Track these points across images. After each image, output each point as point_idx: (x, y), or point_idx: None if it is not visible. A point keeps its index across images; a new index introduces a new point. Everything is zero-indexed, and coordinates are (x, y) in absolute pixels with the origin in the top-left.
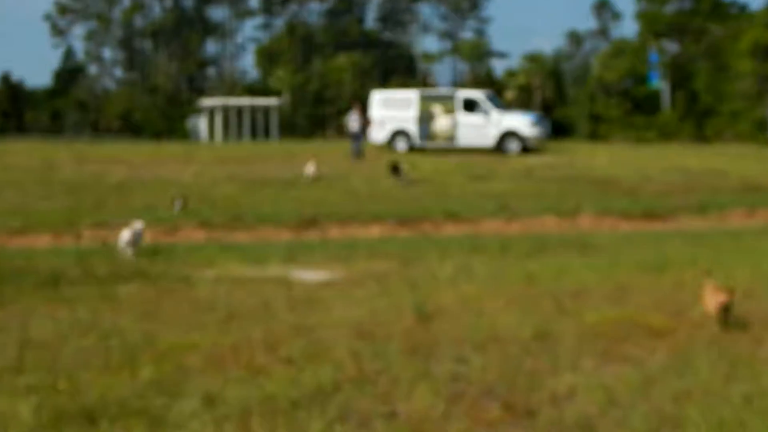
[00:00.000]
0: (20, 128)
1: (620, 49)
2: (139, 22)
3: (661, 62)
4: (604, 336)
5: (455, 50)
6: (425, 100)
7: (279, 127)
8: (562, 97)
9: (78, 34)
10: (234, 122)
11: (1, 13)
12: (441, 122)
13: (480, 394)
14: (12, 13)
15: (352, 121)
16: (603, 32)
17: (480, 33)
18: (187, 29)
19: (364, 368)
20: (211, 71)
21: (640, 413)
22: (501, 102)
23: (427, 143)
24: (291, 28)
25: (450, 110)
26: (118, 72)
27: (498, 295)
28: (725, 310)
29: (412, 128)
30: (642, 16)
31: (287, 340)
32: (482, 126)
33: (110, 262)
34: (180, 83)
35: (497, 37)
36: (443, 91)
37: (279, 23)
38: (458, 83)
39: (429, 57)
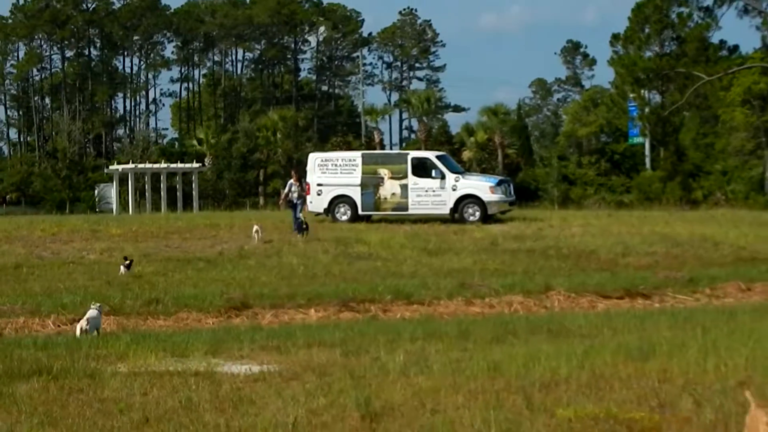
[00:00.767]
0: None
1: (594, 99)
2: (36, 76)
3: (642, 114)
4: None
5: (404, 103)
6: (370, 163)
7: (200, 195)
8: (528, 156)
9: None
10: (148, 191)
11: None
12: (388, 188)
13: None
14: None
15: (292, 192)
16: (574, 80)
17: (432, 83)
18: (93, 83)
19: None
20: (120, 132)
21: None
22: (457, 163)
23: (373, 212)
24: (212, 80)
25: (399, 174)
26: (13, 134)
27: (457, 388)
28: None
29: (356, 195)
30: (618, 62)
31: None
32: (436, 191)
33: (5, 356)
34: (85, 146)
35: (452, 89)
36: (391, 152)
37: (198, 75)
38: (408, 142)
39: (374, 112)
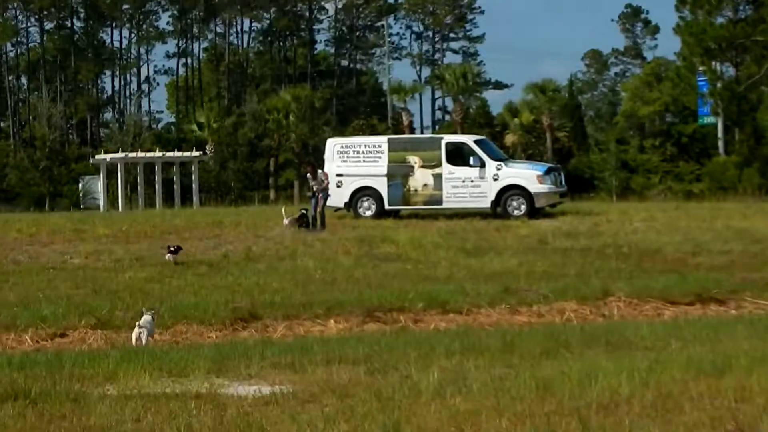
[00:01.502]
0: None
1: (657, 73)
2: (10, 51)
3: (713, 90)
4: None
5: (436, 80)
6: (398, 149)
7: (200, 188)
8: (581, 139)
9: None
10: (141, 184)
11: None
12: (419, 178)
13: None
14: None
15: (312, 184)
16: (634, 51)
17: (469, 56)
18: (76, 60)
19: None
20: (108, 116)
21: None
22: (499, 149)
23: (401, 206)
24: (214, 55)
25: (431, 162)
26: None
27: (501, 411)
28: None
29: (381, 187)
30: (685, 29)
31: None
32: (475, 181)
33: None
34: (67, 132)
35: (493, 62)
36: (422, 137)
37: (198, 49)
38: (442, 125)
39: (401, 90)
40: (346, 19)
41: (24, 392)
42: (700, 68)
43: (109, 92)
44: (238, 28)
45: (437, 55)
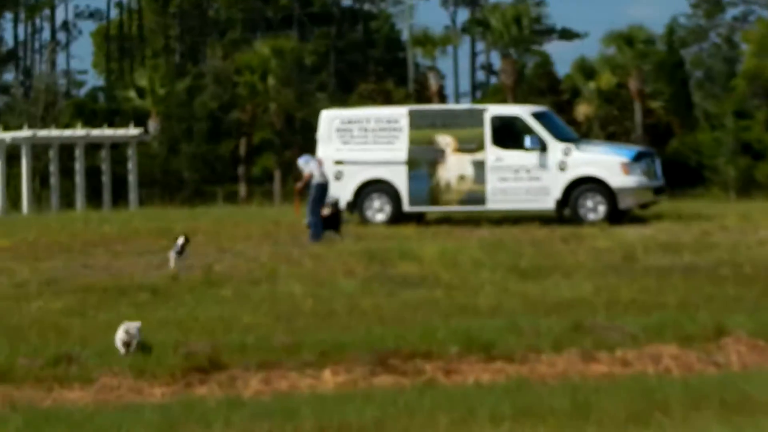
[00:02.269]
0: None
1: None
2: None
3: None
4: None
5: (477, 27)
6: (423, 126)
7: (141, 181)
8: (685, 111)
9: None
10: (56, 174)
11: None
12: (454, 167)
13: None
14: None
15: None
16: None
17: None
18: None
19: None
20: (9, 77)
21: None
22: (568, 125)
23: (427, 207)
24: None
25: (470, 144)
26: None
27: None
28: None
29: (399, 179)
30: None
31: None
32: (533, 172)
33: None
34: None
35: (559, 2)
36: (457, 107)
37: None
38: (486, 91)
39: (428, 42)
40: None
41: None
42: None
43: (10, 44)
44: None
45: None
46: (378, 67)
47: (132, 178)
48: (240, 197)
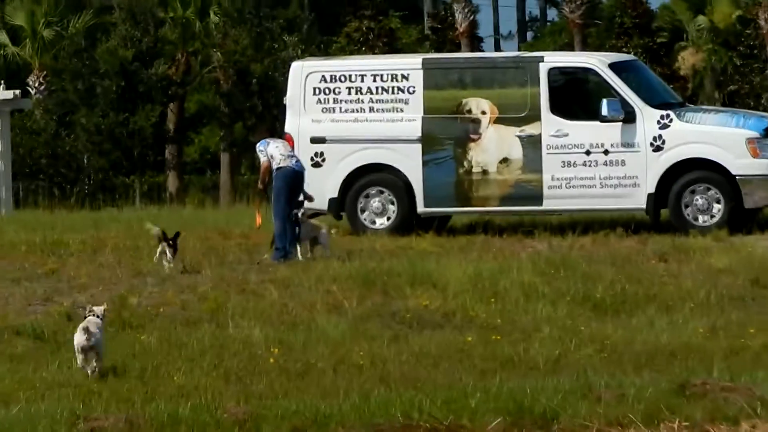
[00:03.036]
0: None
1: None
2: None
3: None
4: None
5: None
6: (444, 84)
7: (18, 170)
8: None
9: None
10: None
11: None
12: (492, 145)
13: None
14: None
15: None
16: None
17: None
18: None
19: None
20: None
21: None
22: (665, 83)
23: (452, 207)
24: None
25: (516, 110)
26: None
27: None
28: None
29: (408, 166)
30: None
31: None
32: (614, 153)
33: None
34: None
35: None
36: (496, 55)
37: None
38: (540, 33)
39: None
40: None
41: None
42: None
43: None
44: None
45: None
46: None
47: (3, 166)
48: (168, 193)
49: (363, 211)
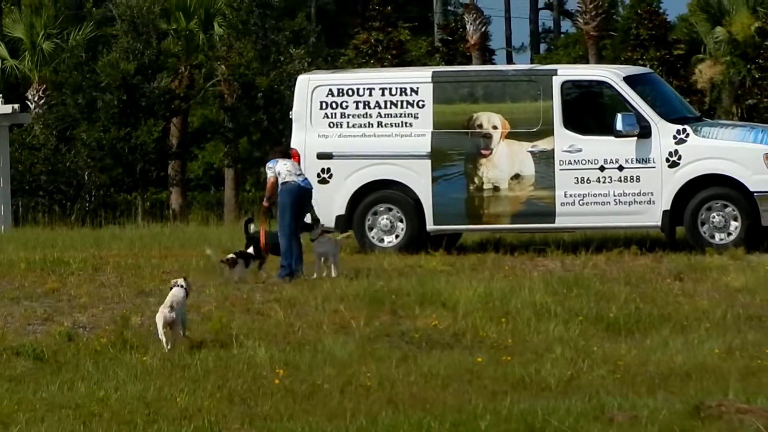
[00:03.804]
0: None
1: None
2: None
3: None
4: None
5: None
6: (454, 98)
7: (18, 187)
8: None
9: None
10: None
11: None
12: (503, 161)
13: None
14: None
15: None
16: None
17: None
18: None
19: None
20: None
21: None
22: (681, 96)
23: (463, 224)
24: None
25: (529, 125)
26: None
27: None
28: None
29: (419, 183)
30: None
31: None
32: (629, 169)
33: None
34: None
35: None
36: (508, 68)
37: None
38: (552, 44)
39: None
40: None
41: None
42: None
43: None
44: None
45: None
46: (384, 6)
47: (2, 182)
48: (171, 210)
49: (371, 228)
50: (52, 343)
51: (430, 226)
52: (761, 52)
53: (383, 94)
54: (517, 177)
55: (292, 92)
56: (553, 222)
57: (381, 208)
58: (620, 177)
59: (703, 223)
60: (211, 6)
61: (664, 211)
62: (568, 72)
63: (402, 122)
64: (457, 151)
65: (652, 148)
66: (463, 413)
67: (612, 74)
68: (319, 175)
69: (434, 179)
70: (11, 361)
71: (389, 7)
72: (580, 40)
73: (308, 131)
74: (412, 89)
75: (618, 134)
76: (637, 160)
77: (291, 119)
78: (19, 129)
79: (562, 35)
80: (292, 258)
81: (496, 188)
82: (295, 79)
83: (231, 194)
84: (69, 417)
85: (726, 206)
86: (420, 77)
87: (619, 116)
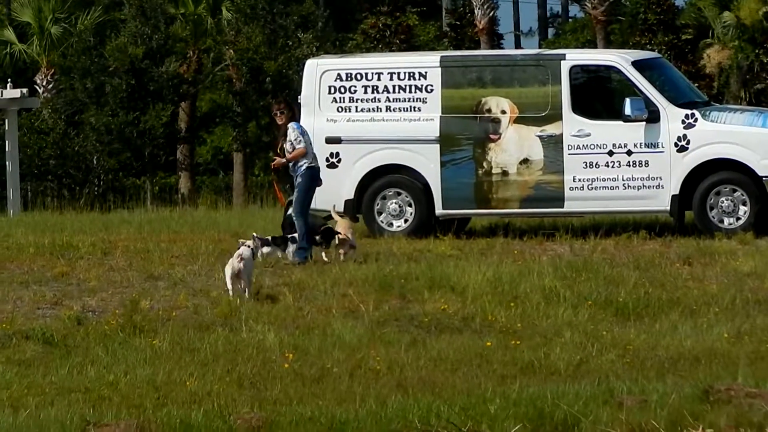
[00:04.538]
0: None
1: None
2: None
3: None
4: None
5: None
6: (463, 82)
7: (26, 171)
8: None
9: None
10: None
11: None
12: (512, 146)
13: None
14: None
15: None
16: None
17: None
18: None
19: None
20: None
21: None
22: (690, 81)
23: (472, 209)
24: None
25: (538, 109)
26: None
27: None
28: None
29: (427, 167)
30: None
31: None
32: (637, 154)
33: None
34: None
35: None
36: (518, 54)
37: None
38: (561, 29)
39: None
40: None
41: None
42: None
43: None
44: None
45: None
46: None
47: (11, 166)
48: (179, 195)
49: (380, 213)
50: (61, 327)
51: (438, 210)
52: None
53: (392, 79)
54: (525, 161)
55: (301, 77)
56: (562, 206)
57: (390, 193)
58: (629, 162)
59: (711, 208)
60: None
61: (673, 196)
62: (576, 57)
63: (410, 107)
64: (465, 136)
65: (660, 132)
66: (472, 397)
67: (620, 59)
68: (327, 160)
69: (443, 164)
70: (21, 345)
71: None
72: (588, 25)
73: (317, 116)
74: (420, 74)
75: (626, 119)
76: (645, 144)
77: (299, 103)
78: (28, 113)
79: (571, 20)
80: (307, 239)
81: (504, 173)
82: (304, 64)
83: (240, 178)
84: (79, 401)
85: (735, 191)
86: (428, 62)
87: (627, 101)
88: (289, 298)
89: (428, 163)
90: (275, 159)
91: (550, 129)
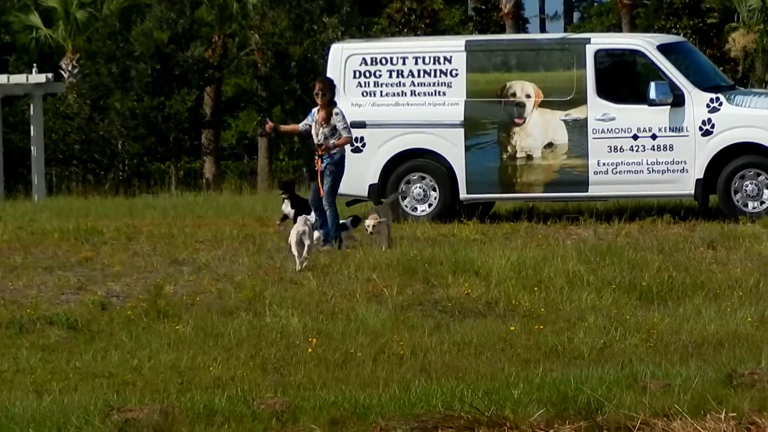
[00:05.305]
0: None
1: None
2: None
3: None
4: None
5: None
6: (488, 66)
7: (51, 156)
8: None
9: None
10: None
11: None
12: (536, 130)
13: None
14: None
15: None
16: None
17: None
18: None
19: None
20: None
21: None
22: (715, 65)
23: (496, 193)
24: None
25: (562, 93)
26: None
27: None
28: None
29: (451, 151)
30: None
31: None
32: (662, 138)
33: None
34: None
35: None
36: (543, 38)
37: None
38: (587, 13)
39: None
40: None
41: None
42: None
43: None
44: None
45: None
46: None
47: (36, 151)
48: (204, 179)
49: (404, 197)
50: (85, 312)
51: (463, 194)
52: None
53: (416, 63)
54: (550, 146)
55: (326, 61)
56: (586, 191)
57: (414, 177)
58: (653, 146)
59: (736, 192)
60: None
61: (697, 180)
62: (601, 40)
63: (435, 91)
64: (490, 120)
65: (685, 116)
66: (495, 381)
67: (645, 43)
68: (352, 144)
69: (467, 148)
70: (45, 330)
71: None
72: (613, 9)
73: (341, 100)
74: (445, 58)
75: (651, 103)
76: (670, 128)
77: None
78: (53, 98)
79: (596, 4)
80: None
81: (529, 157)
82: (329, 48)
83: (264, 163)
84: (102, 386)
85: (759, 174)
86: (453, 46)
87: (652, 85)
88: (312, 282)
89: (453, 148)
90: (268, 122)
91: (575, 113)
